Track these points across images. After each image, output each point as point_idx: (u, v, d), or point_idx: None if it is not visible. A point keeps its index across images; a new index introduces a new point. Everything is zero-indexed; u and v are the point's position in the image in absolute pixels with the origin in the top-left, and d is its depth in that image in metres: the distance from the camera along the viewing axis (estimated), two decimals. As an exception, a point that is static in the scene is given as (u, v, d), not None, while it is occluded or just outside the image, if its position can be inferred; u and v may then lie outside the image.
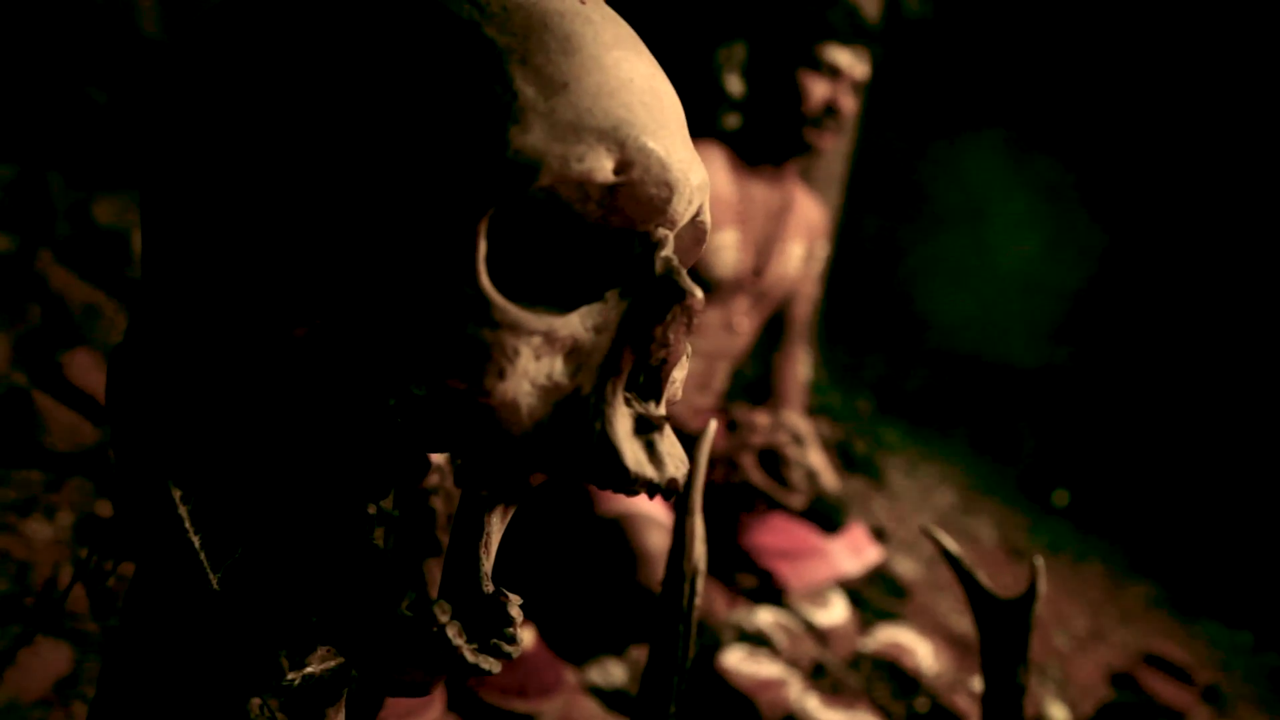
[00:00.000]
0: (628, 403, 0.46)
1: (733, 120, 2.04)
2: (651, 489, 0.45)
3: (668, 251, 0.46)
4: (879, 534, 2.59)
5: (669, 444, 0.47)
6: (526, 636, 1.63)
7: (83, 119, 2.33)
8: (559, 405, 0.44)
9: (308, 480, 0.50)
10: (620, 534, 1.70)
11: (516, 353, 0.42)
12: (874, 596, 2.25)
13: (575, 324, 0.44)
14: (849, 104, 1.94)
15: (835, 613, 2.02)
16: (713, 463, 1.92)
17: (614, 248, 0.48)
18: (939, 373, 5.07)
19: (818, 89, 1.89)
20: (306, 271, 0.43)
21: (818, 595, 2.03)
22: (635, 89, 0.45)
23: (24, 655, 1.08)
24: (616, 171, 0.44)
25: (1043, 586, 0.93)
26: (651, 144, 0.45)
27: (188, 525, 0.50)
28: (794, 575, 2.03)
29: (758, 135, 2.00)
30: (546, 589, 1.78)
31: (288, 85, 0.43)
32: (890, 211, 5.47)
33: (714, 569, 1.99)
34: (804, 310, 2.31)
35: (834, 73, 1.90)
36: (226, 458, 0.50)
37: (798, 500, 1.95)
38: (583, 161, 0.42)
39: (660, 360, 0.46)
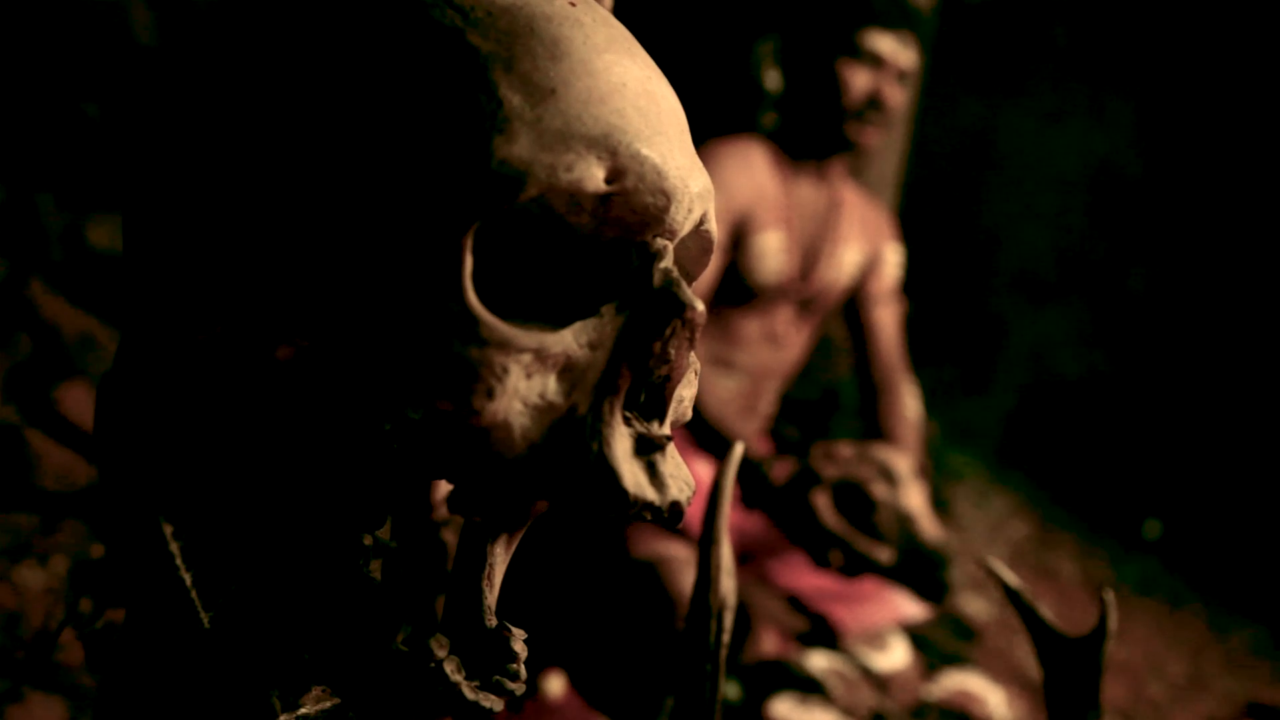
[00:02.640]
0: (627, 422, 0.48)
1: (770, 119, 2.04)
2: (653, 512, 0.47)
3: (667, 263, 0.48)
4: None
5: (673, 465, 0.49)
6: (556, 684, 1.65)
7: (75, 135, 2.38)
8: (553, 426, 0.46)
9: (301, 510, 0.53)
10: (655, 579, 1.70)
11: (506, 371, 0.44)
12: (939, 639, 2.23)
13: (569, 340, 0.46)
14: (894, 95, 1.93)
15: (896, 657, 2.00)
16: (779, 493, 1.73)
17: (610, 260, 0.50)
18: (1012, 391, 5.02)
19: (858, 79, 1.89)
20: (289, 287, 0.45)
21: (876, 637, 2.02)
22: (628, 93, 0.47)
23: (14, 712, 1.10)
24: (608, 180, 0.46)
25: (1113, 622, 0.93)
26: (645, 151, 0.47)
27: (179, 562, 0.52)
28: (850, 619, 2.00)
29: (796, 132, 2.01)
30: (578, 634, 1.80)
31: (269, 96, 0.46)
32: (955, 212, 5.44)
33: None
34: (891, 328, 2.21)
35: (876, 61, 1.89)
36: (218, 489, 0.52)
37: (886, 553, 1.69)
38: (572, 171, 0.44)
39: (662, 377, 0.48)
